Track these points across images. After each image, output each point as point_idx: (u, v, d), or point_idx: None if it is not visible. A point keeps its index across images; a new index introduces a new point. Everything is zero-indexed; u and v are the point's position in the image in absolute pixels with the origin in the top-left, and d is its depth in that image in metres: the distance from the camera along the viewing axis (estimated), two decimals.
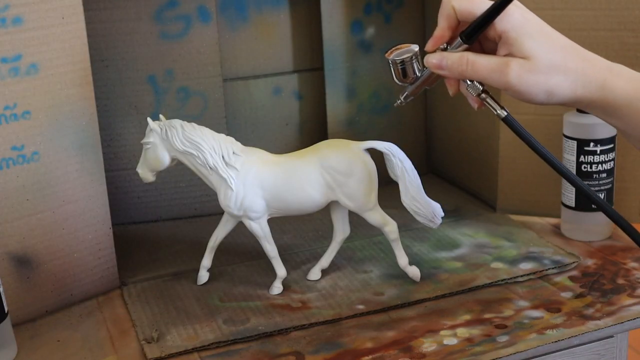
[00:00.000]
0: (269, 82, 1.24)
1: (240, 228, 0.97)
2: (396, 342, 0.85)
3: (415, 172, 0.94)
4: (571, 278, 0.98)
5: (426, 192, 0.94)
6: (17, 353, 0.85)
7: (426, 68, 0.72)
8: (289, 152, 0.97)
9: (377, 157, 0.94)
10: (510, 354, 0.82)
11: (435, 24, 0.71)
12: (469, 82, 0.70)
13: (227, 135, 0.94)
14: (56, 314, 0.94)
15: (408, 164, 0.93)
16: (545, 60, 0.66)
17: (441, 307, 0.92)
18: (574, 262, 1.00)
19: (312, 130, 1.28)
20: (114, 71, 1.13)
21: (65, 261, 0.94)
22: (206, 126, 0.93)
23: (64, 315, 0.94)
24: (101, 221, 0.97)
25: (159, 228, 1.18)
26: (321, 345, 0.85)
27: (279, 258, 0.97)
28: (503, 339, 0.84)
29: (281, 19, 1.23)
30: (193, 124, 0.92)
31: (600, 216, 1.06)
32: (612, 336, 0.89)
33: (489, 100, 0.69)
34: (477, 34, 0.68)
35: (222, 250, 1.02)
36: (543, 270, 0.99)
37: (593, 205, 1.03)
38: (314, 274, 0.99)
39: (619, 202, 1.08)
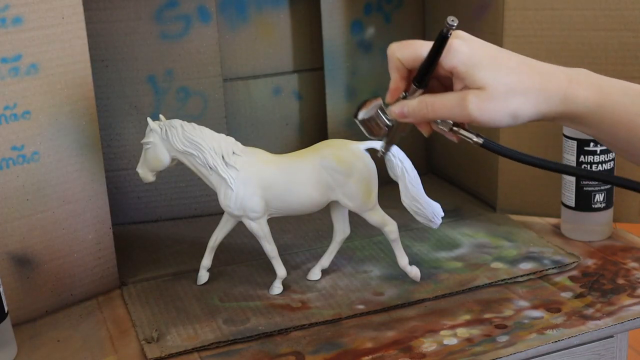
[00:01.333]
0: (269, 82, 1.25)
1: (240, 228, 0.97)
2: (396, 342, 0.85)
3: (415, 172, 0.94)
4: (571, 278, 0.98)
5: (426, 192, 0.94)
6: (17, 353, 0.85)
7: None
8: (289, 152, 0.97)
9: (377, 157, 0.94)
10: (510, 354, 0.82)
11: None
12: (438, 121, 0.70)
13: (227, 135, 0.94)
14: (56, 314, 0.94)
15: (408, 164, 0.93)
16: (500, 86, 0.66)
17: (441, 307, 0.92)
18: (574, 262, 1.00)
19: (312, 130, 1.28)
20: (114, 71, 1.13)
21: (65, 261, 0.94)
22: (206, 126, 0.93)
23: (64, 315, 0.94)
24: (101, 221, 0.97)
25: (159, 228, 1.18)
26: (321, 345, 0.85)
27: (279, 258, 0.97)
28: (503, 339, 0.84)
29: (281, 19, 1.23)
30: (193, 124, 0.92)
31: (600, 216, 1.06)
32: (612, 336, 0.89)
33: (462, 132, 0.70)
34: (426, 78, 0.68)
35: (222, 250, 1.02)
36: (543, 270, 0.99)
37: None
38: (314, 274, 0.99)
39: (619, 202, 1.08)
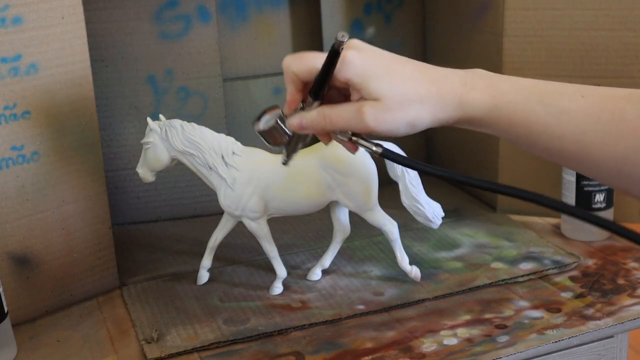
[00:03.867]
0: (269, 82, 1.24)
1: (240, 228, 0.97)
2: (396, 342, 0.85)
3: (416, 172, 0.94)
4: (571, 278, 0.98)
5: (426, 192, 0.95)
6: (17, 353, 0.85)
7: None
8: None
9: (376, 157, 0.93)
10: (510, 354, 0.82)
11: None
12: (337, 132, 0.70)
13: (227, 135, 0.94)
14: (56, 314, 0.94)
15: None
16: (395, 96, 0.65)
17: (441, 307, 0.92)
18: (574, 262, 1.00)
19: None
20: (114, 71, 1.13)
21: (65, 261, 0.94)
22: (206, 126, 0.93)
23: (64, 315, 0.94)
24: (101, 221, 0.97)
25: (159, 228, 1.18)
26: (321, 345, 0.85)
27: (279, 258, 0.97)
28: (503, 339, 0.84)
29: (281, 18, 1.23)
30: (193, 124, 0.92)
31: (600, 216, 1.06)
32: (612, 336, 0.89)
33: (361, 141, 0.69)
34: (322, 91, 0.68)
35: (222, 250, 1.02)
36: (543, 270, 0.99)
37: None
38: (314, 274, 0.99)
39: (619, 202, 1.08)
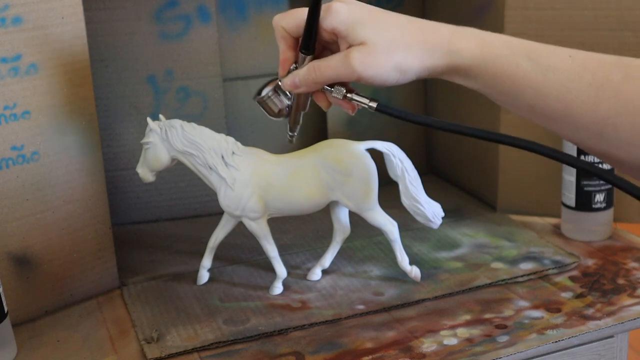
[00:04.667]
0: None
1: (240, 228, 0.97)
2: (396, 342, 0.85)
3: (416, 172, 0.94)
4: (571, 278, 0.98)
5: (426, 192, 0.95)
6: (17, 353, 0.85)
7: (290, 93, 0.74)
8: (289, 152, 0.97)
9: (377, 157, 0.94)
10: (510, 354, 0.82)
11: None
12: (330, 89, 0.71)
13: (227, 135, 0.94)
14: (56, 314, 0.94)
15: (408, 164, 0.93)
16: (381, 40, 0.66)
17: (441, 307, 0.92)
18: (574, 262, 1.00)
19: (312, 130, 1.28)
20: (114, 71, 1.13)
21: (65, 261, 0.94)
22: (206, 126, 0.93)
23: (64, 315, 0.94)
24: (101, 221, 0.97)
25: (159, 228, 1.18)
26: (321, 345, 0.85)
27: (279, 258, 0.97)
28: (503, 339, 0.84)
29: None
30: (193, 124, 0.92)
31: (600, 216, 1.06)
32: (612, 336, 0.89)
33: (355, 97, 0.70)
34: (311, 43, 0.69)
35: (222, 250, 1.02)
36: (543, 270, 0.99)
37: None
38: (314, 274, 0.99)
39: (619, 202, 1.08)
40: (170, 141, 0.91)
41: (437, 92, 1.32)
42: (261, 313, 0.91)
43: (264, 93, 0.73)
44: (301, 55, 0.70)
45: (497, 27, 1.09)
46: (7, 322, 0.83)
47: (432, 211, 0.94)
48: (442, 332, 0.86)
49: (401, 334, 0.86)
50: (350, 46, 0.67)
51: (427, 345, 0.84)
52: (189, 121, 0.92)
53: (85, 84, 0.92)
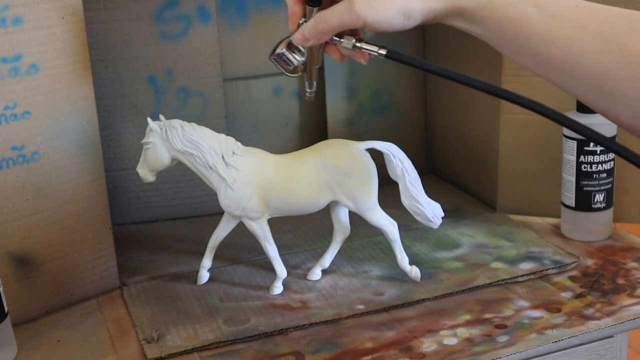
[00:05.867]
0: (269, 82, 1.24)
1: (240, 228, 0.97)
2: (396, 342, 0.85)
3: (416, 172, 0.94)
4: (571, 278, 0.98)
5: (426, 192, 0.95)
6: (17, 353, 0.85)
7: (303, 48, 0.76)
8: (289, 152, 0.97)
9: (377, 157, 0.94)
10: (510, 354, 0.82)
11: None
12: (340, 40, 0.72)
13: (227, 135, 0.94)
14: (56, 314, 0.94)
15: (408, 164, 0.93)
16: None
17: (441, 307, 0.92)
18: (574, 262, 1.00)
19: (312, 130, 1.28)
20: (114, 71, 1.13)
21: (65, 261, 0.94)
22: (206, 126, 0.93)
23: (64, 315, 0.94)
24: (101, 221, 0.97)
25: (159, 228, 1.18)
26: (321, 345, 0.85)
27: (279, 258, 0.97)
28: (503, 339, 0.84)
29: (281, 19, 1.23)
30: (193, 124, 0.92)
31: (600, 216, 1.06)
32: (612, 336, 0.89)
33: (365, 46, 0.71)
34: None
35: (222, 250, 1.02)
36: (543, 270, 0.99)
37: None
38: (314, 274, 0.99)
39: (619, 202, 1.08)
40: (171, 141, 0.91)
41: (437, 91, 1.32)
42: (261, 313, 0.92)
43: (278, 51, 0.75)
44: (308, 8, 0.72)
45: None
46: (7, 322, 0.83)
47: (432, 211, 0.94)
48: (442, 332, 0.86)
49: (401, 334, 0.86)
50: None
51: (427, 345, 0.84)
52: (189, 121, 0.92)
53: (85, 84, 0.92)
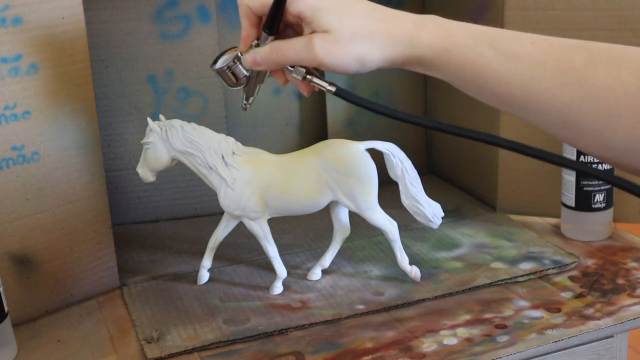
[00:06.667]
0: (269, 82, 1.23)
1: (240, 228, 0.97)
2: (396, 342, 0.85)
3: (416, 172, 0.94)
4: (571, 278, 0.98)
5: (426, 192, 0.95)
6: (17, 353, 0.85)
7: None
8: (289, 152, 0.97)
9: (377, 157, 0.94)
10: (510, 354, 0.82)
11: None
12: (291, 69, 0.71)
13: (227, 135, 0.94)
14: (56, 314, 0.94)
15: (408, 164, 0.93)
16: (346, 29, 0.66)
17: (441, 307, 0.92)
18: (574, 262, 1.01)
19: (312, 130, 1.28)
20: (114, 71, 1.13)
21: (65, 261, 0.94)
22: (206, 126, 0.93)
23: (64, 315, 0.94)
24: (101, 221, 0.97)
25: (159, 228, 1.18)
26: (321, 345, 0.85)
27: (279, 258, 0.97)
28: (503, 339, 0.84)
29: None
30: (193, 124, 0.92)
31: (600, 216, 1.06)
32: (612, 336, 0.89)
33: (315, 80, 0.70)
34: (275, 24, 0.69)
35: (222, 250, 1.02)
36: (543, 270, 0.99)
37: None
38: (314, 274, 0.99)
39: (619, 202, 1.08)
40: (171, 141, 0.91)
41: (437, 91, 1.32)
42: (261, 313, 0.92)
43: (223, 63, 0.73)
44: (264, 33, 0.70)
45: (497, 27, 1.09)
46: (7, 322, 0.83)
47: (432, 211, 0.94)
48: (442, 332, 0.86)
49: (401, 334, 0.86)
50: (313, 31, 0.67)
51: (427, 345, 0.84)
52: (189, 121, 0.92)
53: (85, 84, 0.92)
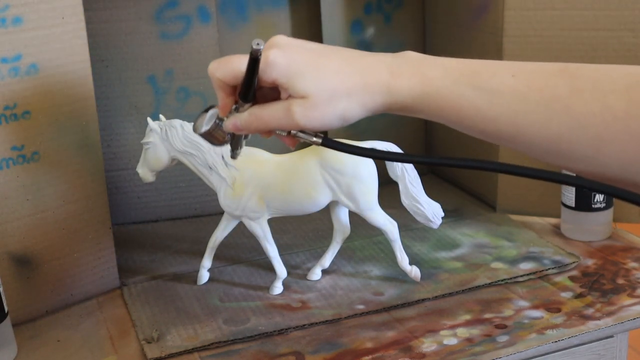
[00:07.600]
0: None
1: (240, 228, 0.97)
2: (396, 342, 0.85)
3: (416, 172, 0.94)
4: (571, 278, 0.98)
5: (426, 192, 0.95)
6: (17, 353, 0.85)
7: None
8: (289, 152, 0.97)
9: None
10: (510, 354, 0.82)
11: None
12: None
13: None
14: (56, 314, 0.94)
15: (408, 164, 0.93)
16: (322, 92, 0.65)
17: (441, 307, 0.92)
18: (574, 262, 1.01)
19: None
20: (114, 71, 1.13)
21: (65, 261, 0.94)
22: None
23: (64, 315, 0.94)
24: (101, 221, 0.97)
25: (159, 228, 1.18)
26: (321, 345, 0.85)
27: (279, 258, 0.97)
28: (503, 339, 0.84)
29: (281, 18, 1.23)
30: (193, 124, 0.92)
31: (600, 216, 1.06)
32: (612, 336, 0.89)
33: (300, 134, 0.69)
34: (250, 94, 0.68)
35: (222, 250, 1.02)
36: (543, 270, 0.99)
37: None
38: (314, 274, 0.99)
39: (619, 202, 1.08)
40: (171, 141, 0.91)
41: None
42: (261, 313, 0.92)
43: (208, 127, 0.71)
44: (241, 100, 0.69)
45: (497, 27, 1.10)
46: (7, 322, 0.83)
47: (432, 211, 0.94)
48: (442, 332, 0.86)
49: (401, 334, 0.86)
50: (290, 96, 0.66)
51: (427, 345, 0.84)
52: (189, 121, 0.92)
53: (85, 84, 0.92)
